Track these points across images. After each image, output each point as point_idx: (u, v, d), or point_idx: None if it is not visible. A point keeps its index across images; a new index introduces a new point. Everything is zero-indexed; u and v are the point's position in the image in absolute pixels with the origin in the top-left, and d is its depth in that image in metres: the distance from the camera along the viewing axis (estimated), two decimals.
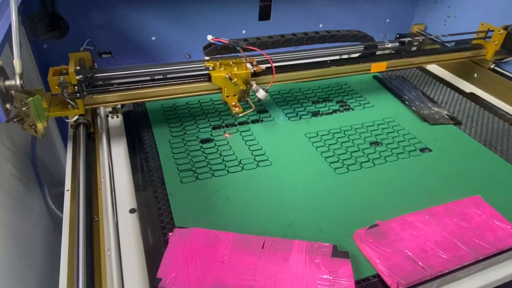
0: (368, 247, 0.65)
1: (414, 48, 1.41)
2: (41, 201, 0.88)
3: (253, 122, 1.00)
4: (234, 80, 0.84)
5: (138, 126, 0.96)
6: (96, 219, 0.67)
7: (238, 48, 0.85)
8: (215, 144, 0.90)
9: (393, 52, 1.17)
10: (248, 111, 0.91)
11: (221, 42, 0.84)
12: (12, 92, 0.59)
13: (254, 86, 0.88)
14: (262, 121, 1.01)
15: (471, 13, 1.29)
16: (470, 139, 0.98)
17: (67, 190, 0.74)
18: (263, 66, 0.93)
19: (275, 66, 0.91)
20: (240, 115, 0.89)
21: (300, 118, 1.03)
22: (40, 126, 0.70)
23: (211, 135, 0.93)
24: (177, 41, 1.20)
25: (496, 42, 1.13)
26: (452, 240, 0.66)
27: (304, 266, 0.60)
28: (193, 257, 0.60)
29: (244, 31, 1.26)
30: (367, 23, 1.43)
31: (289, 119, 1.02)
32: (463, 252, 0.64)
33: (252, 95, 0.91)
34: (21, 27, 0.97)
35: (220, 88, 0.88)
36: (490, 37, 1.15)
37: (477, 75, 1.25)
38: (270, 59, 0.90)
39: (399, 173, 0.85)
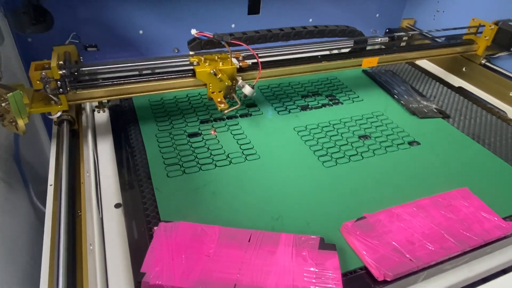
0: (355, 239, 0.64)
1: (403, 44, 1.42)
2: (26, 198, 0.87)
3: (241, 116, 0.99)
4: (219, 76, 0.83)
5: (124, 121, 0.95)
6: (79, 214, 0.66)
7: (223, 43, 0.84)
8: (203, 138, 0.89)
9: (384, 47, 1.17)
10: (234, 108, 0.89)
11: (205, 36, 0.83)
12: None
13: (240, 82, 0.86)
14: (251, 115, 1.00)
15: (460, 8, 1.29)
16: (458, 132, 0.98)
17: (50, 185, 0.72)
18: (250, 62, 0.91)
19: (262, 62, 0.90)
20: (226, 111, 0.87)
21: (289, 112, 1.02)
22: (21, 122, 0.68)
23: (199, 129, 0.92)
24: (165, 35, 1.18)
25: (487, 38, 1.13)
26: (439, 231, 0.66)
27: (290, 259, 0.60)
28: (178, 251, 0.59)
29: (233, 25, 1.25)
30: (357, 18, 1.42)
31: (278, 113, 1.02)
32: (450, 243, 0.64)
33: (238, 91, 0.90)
34: (4, 20, 0.95)
35: (205, 84, 0.86)
36: (481, 32, 1.15)
37: (465, 69, 1.25)
38: (256, 54, 0.89)
39: (387, 166, 0.84)
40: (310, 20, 1.35)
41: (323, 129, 0.95)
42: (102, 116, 0.97)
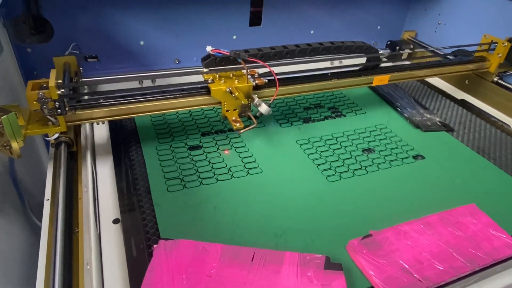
0: (362, 258, 0.62)
1: (405, 56, 1.41)
2: (21, 212, 0.84)
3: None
4: (236, 94, 0.79)
5: (124, 133, 0.93)
6: (77, 230, 0.64)
7: (239, 60, 0.81)
8: (204, 151, 0.87)
9: (391, 62, 1.13)
10: (251, 127, 0.82)
11: (221, 53, 0.79)
12: None
13: (257, 100, 0.82)
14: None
15: (462, 21, 1.28)
16: (463, 146, 0.96)
17: (47, 200, 0.70)
18: (265, 79, 0.87)
19: (278, 79, 0.86)
20: (241, 131, 0.82)
21: (292, 124, 1.01)
22: (15, 146, 0.64)
23: (200, 142, 0.91)
24: (166, 46, 1.17)
25: (500, 55, 1.09)
26: (448, 250, 0.64)
27: (296, 279, 0.57)
28: (179, 270, 0.57)
29: (234, 37, 1.24)
30: (358, 30, 1.42)
31: (280, 125, 1.00)
32: (459, 263, 0.62)
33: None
34: (3, 30, 0.94)
35: (219, 102, 0.83)
36: (493, 49, 1.11)
37: (468, 81, 1.23)
38: (274, 72, 0.85)
39: (393, 180, 0.83)
40: (312, 32, 1.35)
41: (326, 142, 0.94)
42: (101, 129, 0.95)
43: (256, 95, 0.83)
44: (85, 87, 1.09)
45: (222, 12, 1.18)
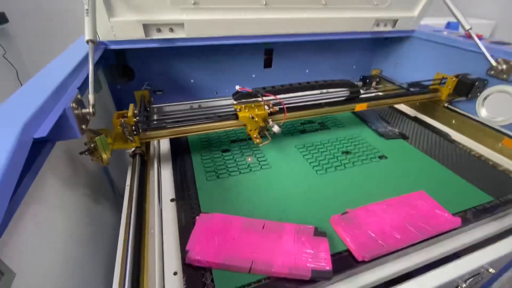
0: (341, 229, 0.60)
1: (374, 84, 1.36)
2: (111, 194, 0.86)
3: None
4: (256, 119, 0.79)
5: (179, 144, 0.92)
6: (146, 205, 0.64)
7: (259, 95, 0.80)
8: (232, 153, 0.87)
9: (367, 94, 1.05)
10: (266, 142, 0.83)
11: (245, 90, 0.80)
12: (88, 117, 0.56)
13: (271, 122, 0.81)
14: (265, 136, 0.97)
15: (412, 62, 1.23)
16: (415, 149, 0.92)
17: (127, 185, 0.71)
18: (277, 108, 0.85)
19: (286, 107, 0.85)
20: (260, 145, 0.81)
21: (292, 135, 0.99)
22: (105, 157, 0.64)
23: (229, 147, 0.90)
24: (208, 82, 1.18)
25: (449, 87, 1.02)
26: (403, 224, 0.61)
27: (293, 243, 0.56)
28: (212, 234, 0.57)
29: (253, 75, 1.24)
30: (339, 69, 1.39)
31: (284, 135, 0.98)
32: (412, 233, 0.59)
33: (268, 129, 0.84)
34: (102, 75, 0.97)
35: (245, 124, 0.81)
36: (444, 83, 1.04)
37: (418, 104, 1.18)
38: (283, 103, 0.84)
39: (364, 174, 0.79)
40: (307, 71, 1.32)
41: (316, 147, 0.91)
42: (165, 142, 0.94)
43: (270, 119, 0.81)
44: (155, 110, 1.11)
45: (245, 59, 1.18)
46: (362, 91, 0.97)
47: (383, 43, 1.34)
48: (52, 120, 0.45)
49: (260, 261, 0.52)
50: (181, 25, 0.87)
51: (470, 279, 0.61)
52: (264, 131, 0.83)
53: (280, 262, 0.52)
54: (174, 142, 0.93)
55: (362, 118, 1.10)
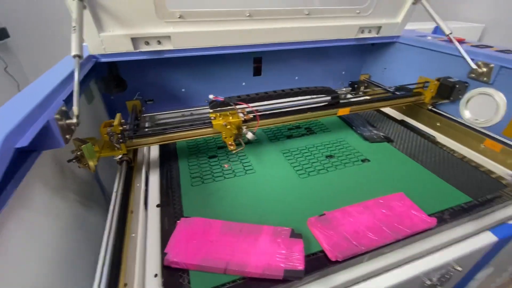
0: (317, 230, 0.61)
1: (362, 89, 1.39)
2: (102, 199, 0.88)
3: (245, 143, 0.98)
4: (228, 127, 0.80)
5: (167, 151, 0.95)
6: (132, 212, 0.66)
7: (231, 103, 0.81)
8: (218, 159, 0.89)
9: (350, 95, 1.07)
10: (239, 149, 0.86)
11: (219, 99, 0.80)
12: (73, 127, 0.59)
13: (244, 130, 0.82)
14: (251, 142, 0.99)
15: (398, 67, 1.26)
16: (399, 153, 0.93)
17: (114, 191, 0.73)
18: (252, 115, 0.85)
19: (260, 115, 0.86)
20: (234, 151, 0.82)
21: (278, 140, 1.01)
22: (91, 164, 0.65)
23: (216, 153, 0.93)
24: (199, 91, 1.21)
25: (432, 90, 1.03)
26: (379, 225, 0.62)
27: (269, 244, 0.57)
28: (191, 237, 0.59)
29: (243, 83, 1.27)
30: (329, 75, 1.41)
31: (270, 141, 1.01)
32: (386, 234, 0.60)
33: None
34: (95, 86, 1.01)
35: (220, 132, 0.82)
36: (427, 86, 1.05)
37: (405, 107, 1.20)
38: (256, 110, 0.84)
39: (345, 177, 0.81)
40: (296, 78, 1.35)
41: (301, 151, 0.93)
42: (155, 149, 0.96)
43: (245, 126, 0.82)
44: (147, 119, 1.14)
45: (235, 68, 1.21)
46: (350, 96, 0.99)
47: (370, 49, 1.37)
48: (35, 131, 0.48)
49: (235, 262, 0.54)
50: (168, 37, 0.91)
51: (437, 277, 0.62)
52: (239, 138, 0.84)
53: (254, 263, 0.54)
54: (163, 149, 0.95)
55: (348, 123, 1.12)
